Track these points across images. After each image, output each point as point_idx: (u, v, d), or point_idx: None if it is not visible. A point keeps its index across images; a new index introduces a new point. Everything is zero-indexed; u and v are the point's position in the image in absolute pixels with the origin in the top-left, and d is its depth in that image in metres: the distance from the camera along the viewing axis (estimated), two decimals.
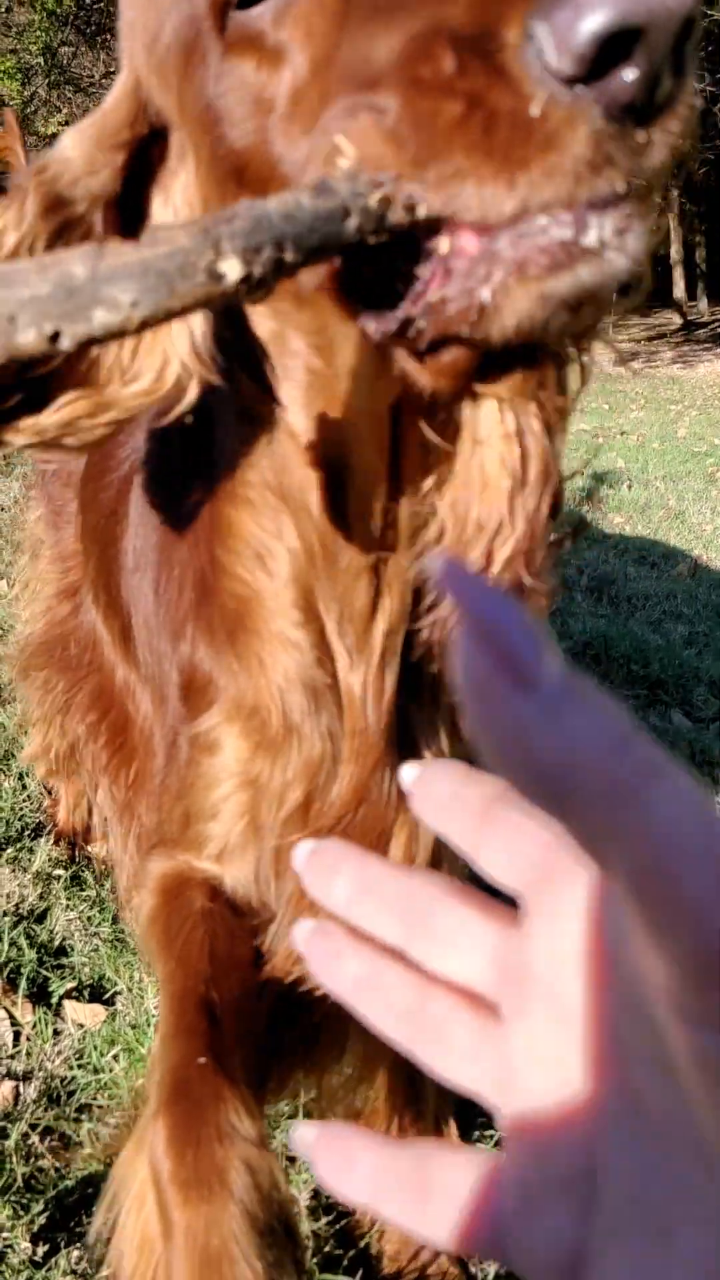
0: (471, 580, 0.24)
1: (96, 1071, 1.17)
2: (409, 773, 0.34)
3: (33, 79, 11.51)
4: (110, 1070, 1.17)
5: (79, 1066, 1.18)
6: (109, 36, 12.14)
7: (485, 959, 0.32)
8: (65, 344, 0.31)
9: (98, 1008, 1.27)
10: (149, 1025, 1.22)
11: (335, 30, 0.46)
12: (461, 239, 0.42)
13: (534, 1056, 0.29)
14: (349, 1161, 0.32)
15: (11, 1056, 1.19)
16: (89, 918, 1.41)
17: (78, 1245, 0.96)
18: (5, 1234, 0.96)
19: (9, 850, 1.53)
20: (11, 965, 1.31)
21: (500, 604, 0.23)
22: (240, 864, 0.77)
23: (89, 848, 1.57)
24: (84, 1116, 1.12)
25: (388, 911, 0.33)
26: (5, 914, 1.39)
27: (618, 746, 0.22)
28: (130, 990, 1.28)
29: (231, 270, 0.35)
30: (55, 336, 0.31)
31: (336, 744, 0.72)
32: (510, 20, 0.38)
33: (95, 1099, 1.14)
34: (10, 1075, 1.16)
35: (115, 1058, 1.18)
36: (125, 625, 1.04)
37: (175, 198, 0.59)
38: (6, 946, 1.33)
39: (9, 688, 2.04)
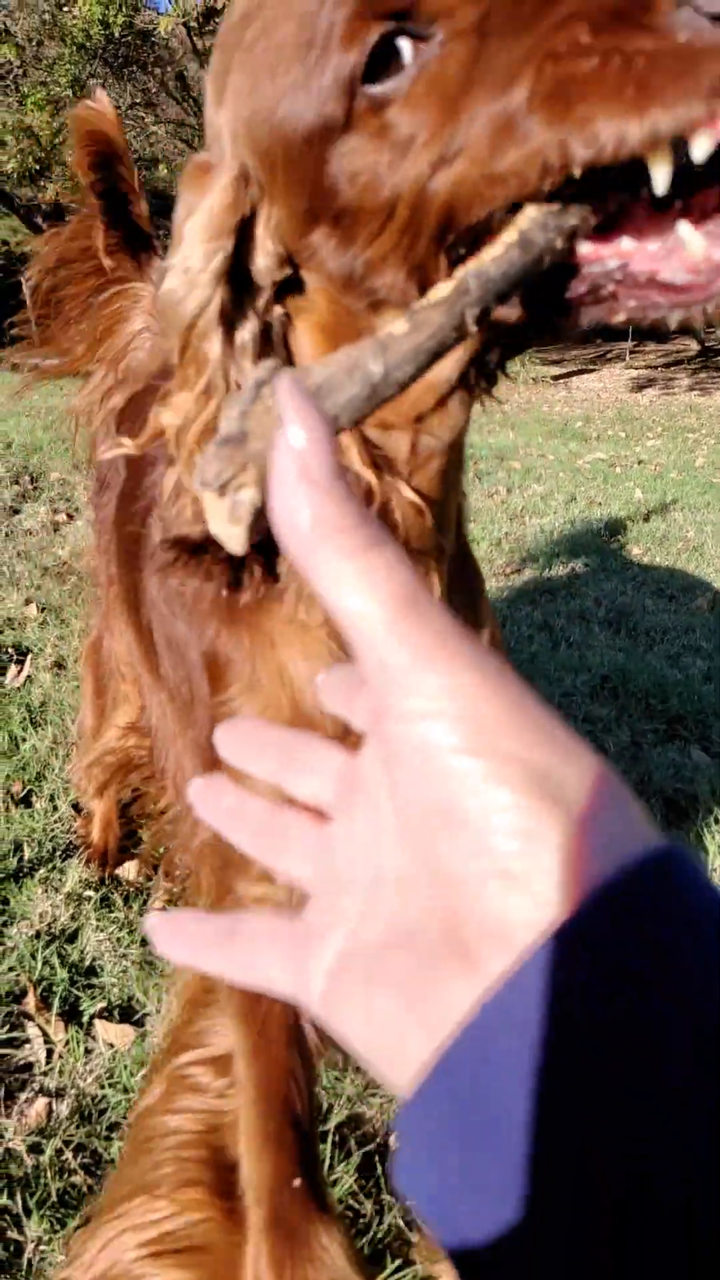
0: (303, 396, 0.29)
1: (126, 1091, 1.20)
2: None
3: (62, 110, 11.73)
4: (140, 1091, 1.19)
5: (110, 1085, 1.21)
6: (135, 69, 12.37)
7: (334, 780, 0.38)
8: (362, 423, 0.40)
9: (127, 1028, 1.30)
10: None
11: (462, 89, 0.48)
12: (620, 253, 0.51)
13: (349, 840, 0.35)
14: (178, 931, 0.38)
15: (45, 1073, 1.22)
16: (118, 939, 1.44)
17: None
18: (43, 1247, 0.98)
19: (41, 871, 1.57)
20: (44, 984, 1.35)
21: (315, 423, 0.29)
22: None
23: (118, 870, 1.61)
24: (115, 1135, 1.14)
25: (271, 757, 0.41)
26: (38, 934, 1.43)
27: (309, 544, 0.29)
28: (159, 1013, 1.31)
29: (467, 333, 0.43)
30: (358, 421, 0.39)
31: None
32: None
33: (125, 1118, 1.17)
34: (44, 1092, 1.19)
35: (145, 1078, 1.21)
36: (149, 644, 1.09)
37: (259, 260, 0.59)
38: (40, 965, 1.37)
39: (39, 711, 2.09)
